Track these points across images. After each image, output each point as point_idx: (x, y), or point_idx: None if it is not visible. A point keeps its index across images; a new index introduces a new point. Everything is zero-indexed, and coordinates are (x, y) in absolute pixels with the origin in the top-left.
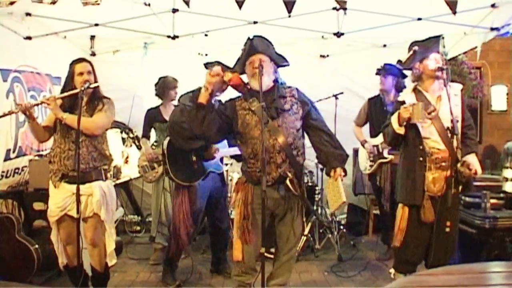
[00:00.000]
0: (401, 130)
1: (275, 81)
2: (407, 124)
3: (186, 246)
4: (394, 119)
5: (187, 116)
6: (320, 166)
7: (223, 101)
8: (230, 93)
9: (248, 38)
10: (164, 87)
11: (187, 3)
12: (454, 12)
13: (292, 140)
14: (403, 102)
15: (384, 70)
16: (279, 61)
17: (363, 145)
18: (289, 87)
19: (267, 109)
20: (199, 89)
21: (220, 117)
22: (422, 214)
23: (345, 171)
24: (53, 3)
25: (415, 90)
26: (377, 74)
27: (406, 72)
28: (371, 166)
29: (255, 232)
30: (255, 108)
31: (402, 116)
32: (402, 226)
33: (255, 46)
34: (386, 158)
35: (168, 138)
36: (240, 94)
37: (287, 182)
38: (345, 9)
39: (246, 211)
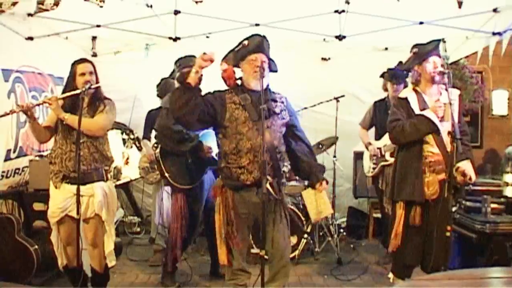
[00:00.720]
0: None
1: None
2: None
3: (181, 251)
4: (435, 118)
5: (172, 95)
6: None
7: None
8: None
9: (257, 34)
10: (166, 88)
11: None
12: (460, 5)
13: (277, 143)
14: (405, 99)
15: (398, 77)
16: (272, 65)
17: (367, 148)
18: (279, 93)
19: (258, 109)
20: (188, 71)
21: (206, 106)
22: (411, 216)
23: (327, 182)
24: (56, 5)
25: (415, 90)
26: (384, 78)
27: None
28: (373, 168)
29: (241, 236)
30: (247, 104)
31: (438, 115)
32: (399, 230)
33: (264, 46)
34: (388, 160)
35: (159, 146)
36: (227, 88)
37: (267, 184)
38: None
39: (229, 216)
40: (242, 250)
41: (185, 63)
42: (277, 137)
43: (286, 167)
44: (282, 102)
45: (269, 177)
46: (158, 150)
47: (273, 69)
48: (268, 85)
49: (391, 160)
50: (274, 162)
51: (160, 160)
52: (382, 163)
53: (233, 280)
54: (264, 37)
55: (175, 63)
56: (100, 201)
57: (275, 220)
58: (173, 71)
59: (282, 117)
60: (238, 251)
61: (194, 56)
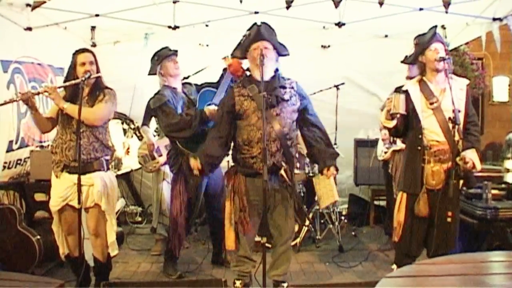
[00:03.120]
0: (388, 124)
1: (276, 70)
2: (404, 116)
3: (184, 237)
4: (382, 114)
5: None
6: None
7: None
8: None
9: (255, 24)
10: None
11: None
12: (446, 10)
13: (288, 130)
14: (406, 91)
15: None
16: (281, 50)
17: (380, 131)
18: (289, 79)
19: (265, 98)
20: None
21: (228, 115)
22: (416, 207)
23: (337, 169)
24: None
25: (420, 81)
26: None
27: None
28: (385, 152)
29: (251, 223)
30: (254, 95)
31: (386, 109)
32: (400, 219)
33: (262, 33)
34: (398, 146)
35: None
36: (237, 81)
37: (282, 171)
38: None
39: (241, 202)
40: (250, 237)
41: (162, 55)
42: (287, 124)
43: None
44: (292, 88)
45: (283, 164)
46: (179, 145)
47: (282, 53)
48: (277, 72)
49: (402, 146)
50: (284, 149)
51: (184, 149)
52: (393, 148)
53: (238, 267)
54: (262, 24)
55: (152, 57)
56: (99, 191)
57: (284, 207)
58: (151, 67)
59: (292, 103)
60: (246, 238)
61: (167, 47)
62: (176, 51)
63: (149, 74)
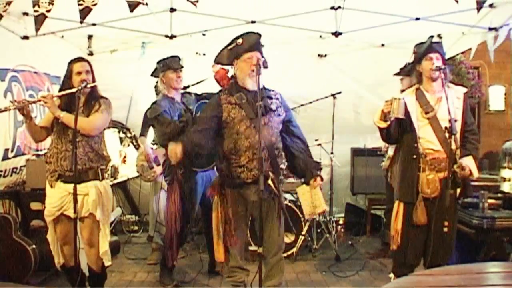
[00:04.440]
0: (380, 124)
1: None
2: (400, 122)
3: (179, 246)
4: (376, 113)
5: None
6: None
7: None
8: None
9: (249, 33)
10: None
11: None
12: (479, 8)
13: (275, 140)
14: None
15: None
16: (264, 62)
17: None
18: (273, 90)
19: (254, 107)
20: None
21: (210, 121)
22: (414, 215)
23: (322, 178)
24: (51, 4)
25: (417, 90)
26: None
27: None
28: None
29: (238, 234)
30: (243, 103)
31: (383, 110)
32: (397, 227)
33: (258, 43)
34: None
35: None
36: (221, 88)
37: (269, 181)
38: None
39: (226, 215)
40: (240, 247)
41: (167, 64)
42: (274, 134)
43: (283, 164)
44: (277, 99)
45: (270, 173)
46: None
47: (265, 66)
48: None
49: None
50: (272, 159)
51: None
52: (389, 155)
53: (231, 278)
54: (259, 34)
55: (159, 62)
56: (94, 200)
57: (272, 217)
58: (155, 69)
59: (278, 113)
60: (236, 248)
61: (177, 57)
62: (182, 66)
63: (151, 75)
